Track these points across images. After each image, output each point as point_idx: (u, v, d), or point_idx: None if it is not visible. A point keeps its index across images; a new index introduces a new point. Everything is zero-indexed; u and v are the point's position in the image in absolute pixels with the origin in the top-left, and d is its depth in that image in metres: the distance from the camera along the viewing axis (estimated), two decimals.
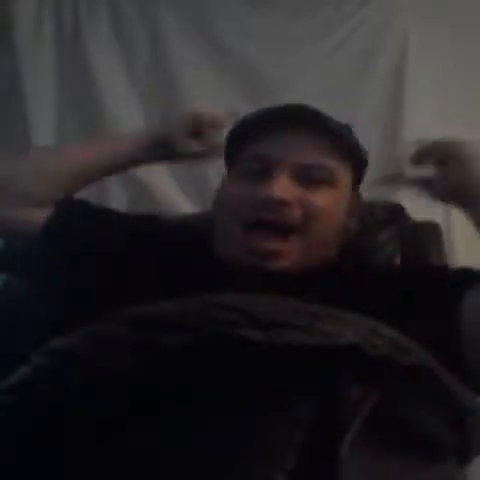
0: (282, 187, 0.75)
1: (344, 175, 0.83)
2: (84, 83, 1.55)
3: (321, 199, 0.78)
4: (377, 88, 1.51)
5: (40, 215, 0.86)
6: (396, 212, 1.19)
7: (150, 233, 0.90)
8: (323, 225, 0.78)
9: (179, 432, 0.29)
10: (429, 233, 1.16)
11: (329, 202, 0.79)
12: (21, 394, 0.27)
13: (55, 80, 1.57)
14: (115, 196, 1.57)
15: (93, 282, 0.75)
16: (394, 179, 0.83)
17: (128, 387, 0.28)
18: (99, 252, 0.81)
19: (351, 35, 1.53)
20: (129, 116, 1.56)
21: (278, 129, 0.79)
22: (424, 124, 1.46)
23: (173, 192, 1.56)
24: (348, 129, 0.83)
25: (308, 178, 0.78)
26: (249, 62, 1.54)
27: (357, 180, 0.88)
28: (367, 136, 0.91)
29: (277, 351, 0.29)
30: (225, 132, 0.89)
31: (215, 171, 1.51)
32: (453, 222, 1.43)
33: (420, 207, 1.29)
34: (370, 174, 0.90)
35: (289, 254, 0.76)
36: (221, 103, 1.54)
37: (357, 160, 0.85)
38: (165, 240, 0.88)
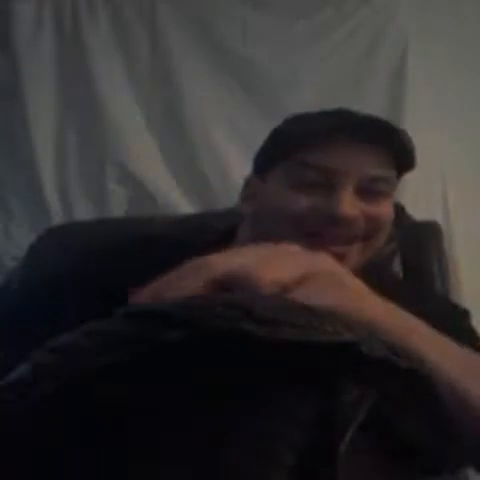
0: (350, 203, 0.74)
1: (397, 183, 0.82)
2: (84, 83, 1.55)
3: (382, 212, 0.78)
4: (377, 88, 1.51)
5: None
6: (396, 212, 1.19)
7: (151, 236, 0.90)
8: (381, 234, 0.80)
9: (179, 431, 0.30)
10: (429, 233, 1.16)
11: (388, 213, 0.80)
12: (20, 392, 0.27)
13: (55, 80, 1.58)
14: (115, 196, 1.57)
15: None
16: None
17: (128, 385, 0.29)
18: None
19: (351, 35, 1.54)
20: (129, 116, 1.56)
21: (340, 138, 0.74)
22: (424, 125, 1.46)
23: (173, 192, 1.56)
24: (410, 139, 0.79)
25: (370, 190, 0.76)
26: (249, 62, 1.54)
27: None
28: None
29: (276, 350, 0.29)
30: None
31: (215, 171, 1.52)
32: (453, 222, 1.43)
33: (420, 207, 1.29)
34: None
35: (351, 258, 0.77)
36: (221, 103, 1.54)
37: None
38: (167, 243, 0.88)
